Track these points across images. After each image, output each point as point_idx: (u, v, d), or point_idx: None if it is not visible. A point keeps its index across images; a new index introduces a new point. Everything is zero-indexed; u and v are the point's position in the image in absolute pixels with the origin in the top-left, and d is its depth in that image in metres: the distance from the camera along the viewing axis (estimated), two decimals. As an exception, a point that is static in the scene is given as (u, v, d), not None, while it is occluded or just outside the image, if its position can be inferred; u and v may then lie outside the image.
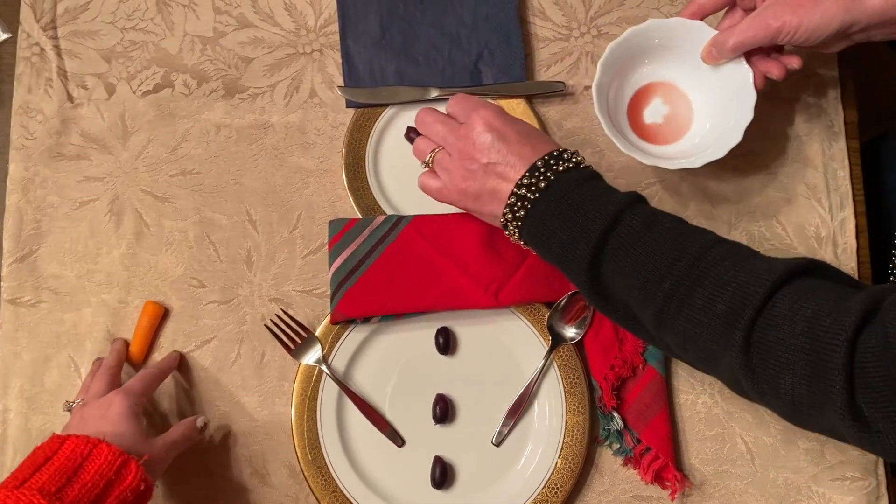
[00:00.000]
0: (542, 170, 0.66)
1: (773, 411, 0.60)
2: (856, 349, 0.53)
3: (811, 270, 0.59)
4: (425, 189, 0.73)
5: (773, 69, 0.73)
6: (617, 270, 0.63)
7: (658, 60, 0.78)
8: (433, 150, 0.71)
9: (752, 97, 0.74)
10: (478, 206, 0.70)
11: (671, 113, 0.78)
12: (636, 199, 0.65)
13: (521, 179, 0.66)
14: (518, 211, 0.66)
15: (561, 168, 0.66)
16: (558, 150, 0.67)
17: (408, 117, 0.81)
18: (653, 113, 0.78)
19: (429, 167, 0.72)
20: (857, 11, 0.67)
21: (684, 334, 0.60)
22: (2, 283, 0.78)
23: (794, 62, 0.74)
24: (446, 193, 0.71)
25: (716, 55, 0.73)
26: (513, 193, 0.66)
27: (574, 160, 0.67)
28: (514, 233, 0.68)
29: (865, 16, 0.67)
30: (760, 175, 0.81)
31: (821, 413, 0.55)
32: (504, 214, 0.67)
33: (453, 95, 0.72)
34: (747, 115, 0.73)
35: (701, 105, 0.78)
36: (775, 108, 0.83)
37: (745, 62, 0.74)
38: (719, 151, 0.73)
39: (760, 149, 0.82)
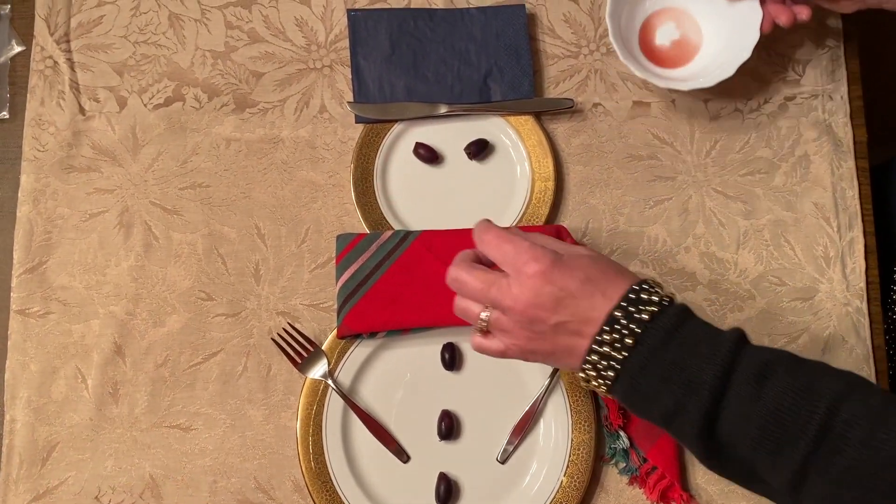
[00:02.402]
0: (623, 322, 0.57)
1: None
2: None
3: None
4: (485, 352, 0.64)
5: (783, 15, 0.76)
6: (737, 434, 0.55)
7: None
8: (484, 311, 0.61)
9: (754, 37, 0.77)
10: (551, 361, 0.62)
11: (682, 38, 0.82)
12: (740, 341, 0.57)
13: (600, 335, 0.57)
14: (604, 371, 0.58)
15: (645, 315, 0.57)
16: (634, 288, 0.58)
17: (416, 133, 0.82)
18: (664, 35, 0.82)
19: (483, 331, 0.63)
20: None
21: (829, 499, 0.54)
22: (11, 294, 0.79)
23: (804, 13, 0.76)
24: (511, 355, 0.63)
25: None
26: (594, 351, 0.58)
27: (655, 298, 0.57)
28: (602, 389, 0.59)
29: None
30: (769, 194, 0.81)
31: None
32: (585, 371, 0.59)
33: (478, 224, 0.63)
34: (744, 55, 0.77)
35: (710, 35, 0.82)
36: (784, 126, 0.83)
37: (758, 2, 0.77)
38: (708, 82, 0.77)
39: (769, 168, 0.82)
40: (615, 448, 0.75)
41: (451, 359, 0.76)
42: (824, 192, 0.81)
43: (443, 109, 0.82)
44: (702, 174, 0.82)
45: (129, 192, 0.81)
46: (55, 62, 0.84)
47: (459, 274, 0.62)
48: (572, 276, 0.58)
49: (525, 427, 0.75)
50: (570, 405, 0.75)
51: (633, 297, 0.57)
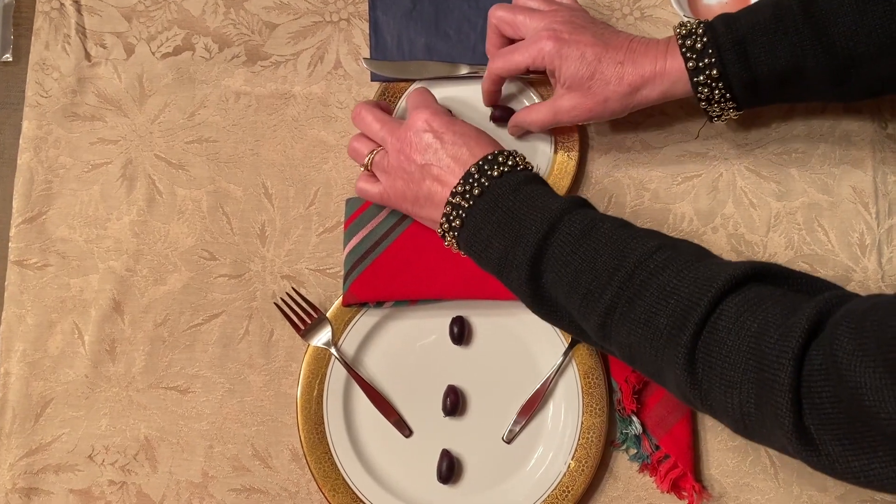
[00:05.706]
0: (475, 176, 0.63)
1: (723, 425, 0.57)
2: (803, 368, 0.50)
3: (758, 276, 0.55)
4: (364, 195, 0.71)
5: None
6: (557, 280, 0.60)
7: None
8: (371, 152, 0.69)
9: None
10: (416, 209, 0.68)
11: (730, 2, 0.78)
12: (575, 204, 0.62)
13: (455, 187, 0.64)
14: (454, 220, 0.64)
15: (495, 173, 0.63)
16: (493, 152, 0.64)
17: (436, 94, 0.77)
18: None
19: (367, 169, 0.70)
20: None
21: (629, 348, 0.58)
22: (9, 244, 0.76)
23: None
24: (385, 197, 0.69)
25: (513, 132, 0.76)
26: (448, 202, 0.64)
27: (510, 162, 0.64)
28: (452, 243, 0.66)
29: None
30: (804, 175, 0.77)
31: (770, 432, 0.52)
32: (441, 224, 0.66)
33: (418, 87, 0.70)
34: None
35: None
36: (825, 105, 0.78)
37: None
38: None
39: (806, 147, 0.77)
40: (627, 433, 0.72)
41: (460, 333, 0.73)
42: (864, 176, 0.77)
43: (464, 70, 0.77)
44: (734, 151, 0.77)
45: (133, 144, 0.78)
46: (62, 4, 0.80)
47: (365, 113, 0.70)
48: (449, 129, 0.66)
49: (533, 407, 0.72)
50: (582, 387, 0.72)
51: (491, 158, 0.64)
